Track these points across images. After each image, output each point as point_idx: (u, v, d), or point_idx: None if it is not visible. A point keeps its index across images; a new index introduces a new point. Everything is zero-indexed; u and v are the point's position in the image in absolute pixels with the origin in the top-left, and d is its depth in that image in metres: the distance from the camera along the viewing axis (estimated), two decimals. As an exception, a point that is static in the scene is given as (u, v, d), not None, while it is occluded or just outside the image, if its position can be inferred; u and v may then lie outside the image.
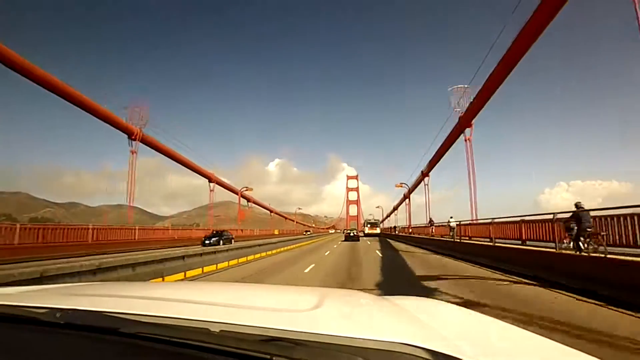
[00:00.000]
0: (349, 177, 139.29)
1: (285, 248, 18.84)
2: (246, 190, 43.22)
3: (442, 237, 20.12)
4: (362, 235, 44.38)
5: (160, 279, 7.32)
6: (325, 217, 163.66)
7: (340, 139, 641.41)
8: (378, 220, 54.77)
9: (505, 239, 12.39)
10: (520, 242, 11.37)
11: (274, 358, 0.56)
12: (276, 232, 48.57)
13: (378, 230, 47.68)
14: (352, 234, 31.32)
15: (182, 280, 7.92)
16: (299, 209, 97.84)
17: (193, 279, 8.21)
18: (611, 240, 7.33)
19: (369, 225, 48.84)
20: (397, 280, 8.22)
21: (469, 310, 1.12)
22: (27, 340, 0.73)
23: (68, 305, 0.82)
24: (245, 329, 0.64)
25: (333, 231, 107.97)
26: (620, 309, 4.70)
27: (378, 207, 67.62)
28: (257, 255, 13.39)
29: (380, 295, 1.65)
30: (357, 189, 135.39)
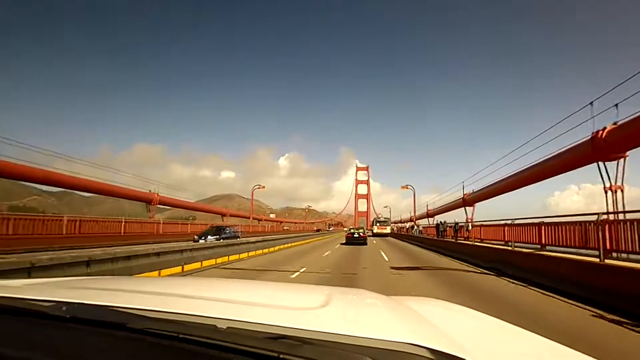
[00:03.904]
0: (358, 169, 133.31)
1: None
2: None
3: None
4: (370, 234, 43.08)
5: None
6: (334, 213, 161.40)
7: (353, 134, 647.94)
8: (388, 219, 54.11)
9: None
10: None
11: (281, 356, 0.59)
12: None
13: (388, 230, 47.06)
14: (356, 235, 24.17)
15: None
16: (309, 206, 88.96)
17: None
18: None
19: (378, 224, 48.08)
20: None
21: (474, 311, 1.16)
22: (33, 333, 0.76)
23: (74, 299, 0.86)
24: (253, 326, 0.68)
25: (320, 229, 73.29)
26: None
27: (386, 207, 64.78)
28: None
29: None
30: (367, 182, 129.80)
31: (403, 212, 66.56)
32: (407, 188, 39.98)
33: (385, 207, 62.11)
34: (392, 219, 58.43)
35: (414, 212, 41.72)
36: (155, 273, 8.13)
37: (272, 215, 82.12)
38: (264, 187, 44.94)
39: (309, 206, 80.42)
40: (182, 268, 9.25)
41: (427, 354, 0.60)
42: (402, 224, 56.43)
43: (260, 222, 53.62)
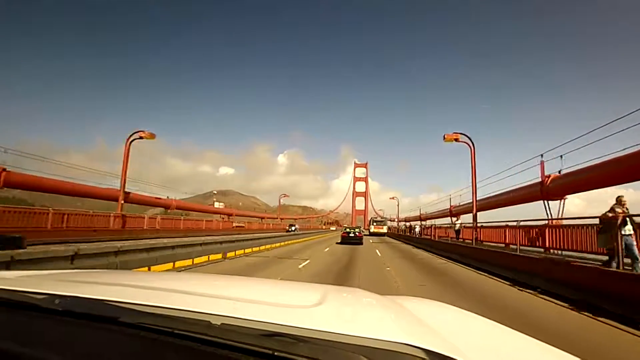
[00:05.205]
0: (356, 165, 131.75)
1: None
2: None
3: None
4: (367, 233, 43.43)
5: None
6: (329, 211, 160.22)
7: (353, 133, 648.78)
8: (385, 218, 54.78)
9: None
10: None
11: (275, 353, 0.60)
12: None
13: (385, 229, 48.05)
14: (352, 234, 24.42)
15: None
16: (284, 195, 64.23)
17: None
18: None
19: (374, 224, 49.01)
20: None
21: (468, 312, 1.18)
22: (25, 326, 0.77)
23: (67, 292, 0.86)
24: (247, 323, 0.69)
25: (292, 230, 47.62)
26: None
27: (392, 198, 58.36)
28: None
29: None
30: (365, 179, 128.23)
31: (402, 212, 60.58)
32: (456, 138, 18.06)
33: (392, 198, 57.08)
34: (401, 215, 55.73)
35: (474, 188, 18.15)
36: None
37: (218, 205, 53.47)
38: (153, 135, 21.41)
39: (285, 194, 65.27)
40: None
41: (421, 354, 0.62)
42: (420, 222, 37.82)
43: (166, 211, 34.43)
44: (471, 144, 18.22)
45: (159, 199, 33.70)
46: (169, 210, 34.36)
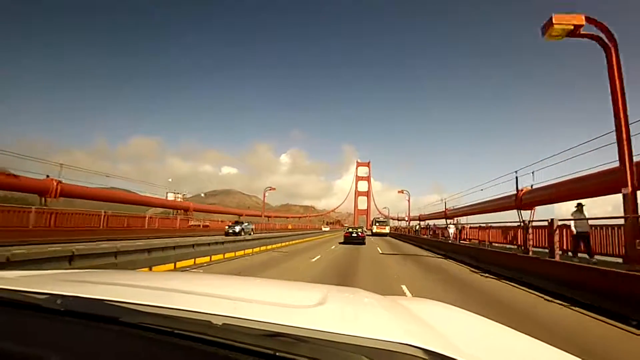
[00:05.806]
0: (359, 164, 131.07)
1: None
2: None
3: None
4: (370, 234, 43.74)
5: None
6: (332, 210, 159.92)
7: (356, 133, 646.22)
8: (388, 219, 55.50)
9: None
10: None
11: (277, 353, 0.60)
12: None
13: (387, 230, 48.50)
14: (354, 234, 25.04)
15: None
16: (271, 188, 52.90)
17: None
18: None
19: (377, 224, 49.84)
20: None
21: (470, 312, 1.18)
22: (27, 326, 0.77)
23: (69, 292, 0.87)
24: (248, 323, 0.69)
25: (235, 232, 27.41)
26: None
27: (402, 191, 52.98)
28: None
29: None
30: (368, 179, 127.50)
31: (405, 211, 54.84)
32: (578, 29, 7.40)
33: (401, 191, 53.59)
34: (412, 213, 51.93)
35: (625, 130, 7.20)
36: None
37: (172, 196, 41.63)
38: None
39: (271, 188, 52.38)
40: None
41: (422, 354, 0.62)
42: (446, 220, 29.53)
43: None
44: (609, 44, 8.15)
45: (17, 177, 18.26)
46: (47, 201, 19.61)
